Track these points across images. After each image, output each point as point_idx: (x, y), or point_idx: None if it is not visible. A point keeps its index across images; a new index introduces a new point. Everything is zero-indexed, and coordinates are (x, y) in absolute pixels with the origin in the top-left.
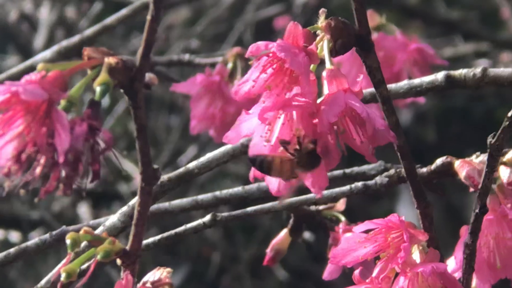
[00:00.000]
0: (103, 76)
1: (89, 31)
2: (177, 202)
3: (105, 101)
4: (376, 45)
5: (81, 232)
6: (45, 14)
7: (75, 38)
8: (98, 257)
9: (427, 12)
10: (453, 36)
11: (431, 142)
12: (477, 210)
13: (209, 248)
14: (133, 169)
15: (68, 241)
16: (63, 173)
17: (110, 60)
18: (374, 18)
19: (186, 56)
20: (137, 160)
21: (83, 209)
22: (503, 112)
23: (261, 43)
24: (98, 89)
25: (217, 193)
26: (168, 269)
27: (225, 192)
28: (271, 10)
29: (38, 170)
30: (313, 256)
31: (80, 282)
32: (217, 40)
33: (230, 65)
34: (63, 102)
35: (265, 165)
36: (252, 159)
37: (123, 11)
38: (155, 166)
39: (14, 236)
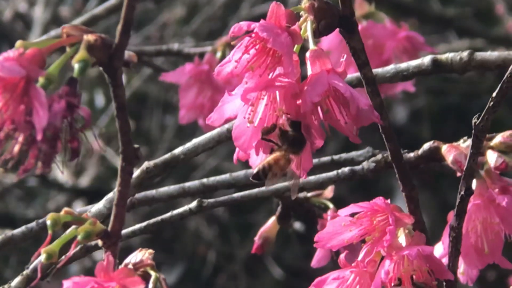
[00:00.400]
0: (81, 53)
1: (77, 21)
2: (164, 189)
3: (100, 100)
4: (365, 33)
5: (62, 212)
6: (39, 13)
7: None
8: (79, 237)
9: (422, 8)
10: (447, 32)
11: (426, 139)
12: (462, 192)
13: (204, 246)
14: None
15: (48, 222)
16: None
17: (89, 37)
18: (363, 6)
19: (175, 46)
20: None
21: (79, 208)
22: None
23: (243, 23)
24: (76, 66)
25: (204, 180)
26: (150, 251)
27: (213, 179)
28: (266, 7)
29: (16, 148)
30: (307, 253)
31: (61, 263)
32: (211, 38)
33: (219, 54)
34: (41, 80)
35: (265, 172)
36: (256, 176)
37: (112, 1)
38: (136, 146)
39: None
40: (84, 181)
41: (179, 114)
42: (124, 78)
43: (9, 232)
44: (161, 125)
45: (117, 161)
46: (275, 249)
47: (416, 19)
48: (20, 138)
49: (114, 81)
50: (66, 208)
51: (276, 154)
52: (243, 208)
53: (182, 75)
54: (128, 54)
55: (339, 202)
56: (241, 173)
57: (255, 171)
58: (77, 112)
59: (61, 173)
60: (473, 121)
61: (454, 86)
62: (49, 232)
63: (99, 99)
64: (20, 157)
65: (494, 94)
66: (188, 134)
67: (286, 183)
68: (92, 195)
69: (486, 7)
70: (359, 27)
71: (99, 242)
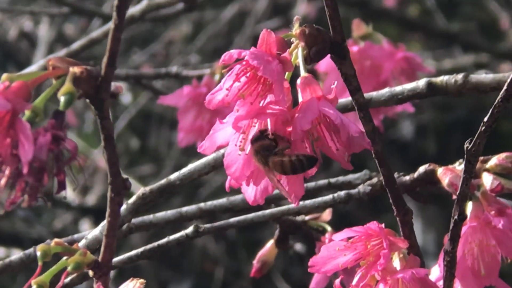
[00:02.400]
0: (67, 86)
1: (75, 45)
2: (161, 214)
3: None
4: (363, 54)
5: (52, 243)
6: (44, 32)
7: (62, 52)
8: (69, 268)
9: (427, 24)
10: (452, 47)
11: (432, 155)
12: (455, 217)
13: (212, 263)
14: (135, 185)
15: (38, 253)
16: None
17: (75, 69)
18: (361, 27)
19: (174, 69)
20: (139, 177)
21: (85, 226)
22: (505, 124)
23: (234, 51)
24: (62, 99)
25: (202, 204)
26: (141, 280)
27: (210, 203)
28: (270, 24)
29: (2, 181)
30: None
31: None
32: (216, 55)
33: (217, 77)
34: (27, 113)
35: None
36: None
37: (109, 25)
38: (124, 176)
39: (16, 253)
40: (91, 199)
41: (178, 137)
42: (130, 96)
43: (7, 259)
44: (168, 142)
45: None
46: (282, 265)
47: (421, 34)
48: (7, 171)
49: (101, 112)
50: (56, 239)
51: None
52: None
53: (180, 97)
54: (114, 85)
55: (346, 217)
56: (238, 197)
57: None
58: (63, 145)
59: (73, 190)
60: (465, 145)
61: (460, 100)
62: (39, 263)
63: None
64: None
65: (485, 119)
66: (195, 151)
67: (283, 208)
68: (98, 213)
69: (491, 22)
70: (357, 48)
71: (90, 273)
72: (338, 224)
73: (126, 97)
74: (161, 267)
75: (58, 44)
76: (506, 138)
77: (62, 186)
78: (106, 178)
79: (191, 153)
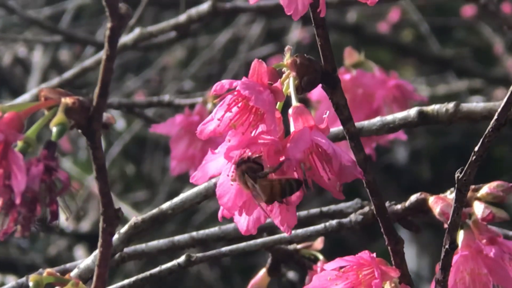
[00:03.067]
0: (59, 116)
1: (68, 74)
2: (154, 243)
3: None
4: (355, 82)
5: (44, 274)
6: (38, 57)
7: (54, 81)
8: None
9: (421, 49)
10: (446, 73)
11: (426, 180)
12: (447, 246)
13: None
14: (129, 212)
15: (30, 283)
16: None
17: (67, 100)
18: (352, 55)
19: (166, 97)
20: (133, 203)
21: (80, 252)
22: (500, 150)
23: (225, 82)
24: (54, 129)
25: (194, 233)
26: None
27: (202, 232)
28: (264, 50)
29: None
30: None
31: None
32: (210, 81)
33: (209, 105)
34: (19, 143)
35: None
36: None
37: (101, 53)
38: (117, 207)
39: (11, 280)
40: (85, 225)
41: (170, 166)
42: (124, 122)
43: None
44: (162, 168)
45: (119, 205)
46: None
47: (415, 59)
48: (0, 202)
49: (93, 143)
50: (48, 269)
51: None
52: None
53: (172, 126)
54: (106, 116)
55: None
56: (230, 226)
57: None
58: (55, 175)
59: (65, 220)
60: (456, 175)
61: (454, 126)
62: None
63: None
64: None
65: (476, 149)
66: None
67: (275, 237)
68: (93, 239)
69: (485, 47)
70: (349, 76)
71: None
72: (332, 249)
73: (120, 123)
74: None
75: (52, 70)
76: (500, 164)
77: (54, 216)
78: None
79: (185, 179)
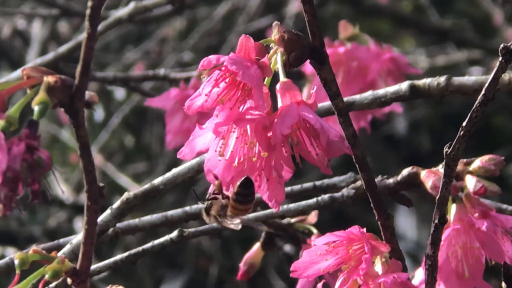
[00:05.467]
0: (41, 95)
1: (63, 48)
2: (147, 218)
3: (99, 115)
4: (350, 55)
5: (30, 251)
6: (37, 30)
7: (49, 56)
8: (47, 276)
9: (420, 20)
10: (446, 44)
11: (426, 150)
12: (436, 221)
13: (206, 260)
14: (129, 183)
15: (16, 261)
16: (2, 194)
17: (49, 79)
18: (347, 29)
19: (161, 71)
20: (133, 174)
21: (79, 224)
22: (499, 119)
23: (212, 57)
24: (36, 108)
25: (187, 208)
26: (121, 287)
27: (195, 207)
28: (263, 22)
29: None
30: None
31: None
32: (210, 52)
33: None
34: (1, 122)
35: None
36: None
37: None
38: (101, 184)
39: (11, 252)
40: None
41: (166, 140)
42: (124, 92)
43: None
44: (162, 139)
45: (118, 177)
46: (277, 262)
47: (414, 31)
48: None
49: (76, 121)
50: (34, 247)
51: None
52: None
53: (167, 100)
54: (89, 94)
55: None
56: None
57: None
58: (37, 154)
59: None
60: (444, 150)
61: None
62: (17, 272)
63: (99, 114)
64: None
65: (464, 124)
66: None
67: (267, 211)
68: None
69: (484, 18)
70: (343, 50)
71: (68, 280)
72: (332, 221)
73: (119, 94)
74: (156, 264)
75: (51, 42)
76: (499, 133)
77: (36, 196)
78: (100, 175)
79: None
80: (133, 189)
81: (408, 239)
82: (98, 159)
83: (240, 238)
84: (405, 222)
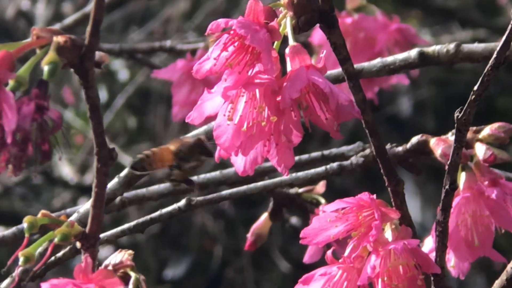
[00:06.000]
0: (51, 55)
1: (69, 20)
2: (154, 188)
3: (103, 96)
4: (357, 26)
5: (39, 215)
6: (41, 10)
7: (55, 27)
8: (56, 240)
9: (424, 0)
10: (450, 23)
11: (430, 130)
12: (447, 187)
13: (210, 241)
14: None
15: (25, 225)
16: (12, 154)
17: (59, 38)
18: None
19: (168, 43)
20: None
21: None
22: (503, 100)
23: (221, 21)
24: (46, 68)
25: (195, 178)
26: (130, 251)
27: (203, 176)
28: (268, 0)
29: None
30: None
31: (38, 265)
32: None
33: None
34: (11, 82)
35: (144, 163)
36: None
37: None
38: (111, 147)
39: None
40: (89, 178)
41: (172, 111)
42: (127, 73)
43: None
44: (165, 120)
45: (123, 158)
46: (281, 242)
47: (419, 10)
48: None
49: (86, 82)
50: (43, 211)
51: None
52: (248, 201)
53: (174, 72)
54: (99, 54)
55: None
56: (231, 170)
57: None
58: (47, 115)
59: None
60: (455, 114)
61: (458, 76)
62: (26, 235)
63: (102, 94)
64: None
65: (475, 88)
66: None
67: (275, 180)
68: None
69: None
70: (351, 20)
71: (78, 244)
72: (334, 197)
73: (123, 75)
74: (160, 245)
75: (55, 23)
76: (503, 116)
77: (46, 156)
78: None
79: (188, 131)
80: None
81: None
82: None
83: (244, 218)
84: (409, 204)
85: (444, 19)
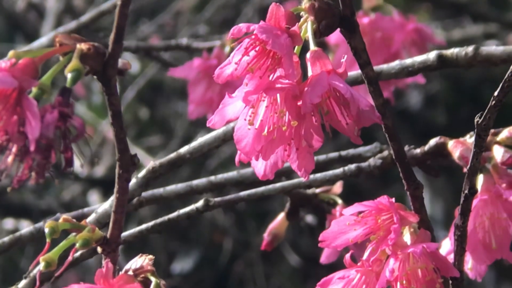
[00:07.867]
0: (74, 62)
1: (85, 17)
2: (171, 187)
3: None
4: (374, 25)
5: (60, 220)
6: (52, 3)
7: (72, 24)
8: (77, 245)
9: None
10: (461, 18)
11: (441, 125)
12: (466, 191)
13: (220, 234)
14: (143, 156)
15: (46, 230)
16: (35, 162)
17: (82, 46)
18: None
19: (184, 41)
20: (148, 148)
21: (94, 197)
22: None
23: (242, 25)
24: (69, 75)
25: (212, 178)
26: (150, 256)
27: (220, 176)
28: (289, 5)
29: (10, 159)
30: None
31: (59, 270)
32: (225, 26)
33: (227, 49)
34: (34, 90)
35: None
36: None
37: None
38: (133, 152)
39: (25, 225)
40: (99, 170)
41: (188, 110)
42: (139, 65)
43: (17, 233)
44: (177, 113)
45: (133, 151)
46: (292, 236)
47: (430, 4)
48: (14, 149)
49: (109, 89)
50: (64, 216)
51: None
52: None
53: (190, 70)
54: (122, 62)
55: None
56: (248, 170)
57: None
58: (70, 122)
59: (80, 166)
60: (476, 120)
61: (469, 71)
62: (47, 240)
63: None
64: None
65: (495, 93)
66: (203, 122)
67: (293, 181)
68: (107, 185)
69: None
70: (367, 20)
71: (98, 249)
72: (348, 196)
73: (134, 67)
74: (170, 238)
75: (66, 15)
76: None
77: (69, 163)
78: (115, 149)
79: (199, 124)
80: (147, 163)
81: None
82: (112, 133)
83: (255, 212)
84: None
85: (455, 13)
